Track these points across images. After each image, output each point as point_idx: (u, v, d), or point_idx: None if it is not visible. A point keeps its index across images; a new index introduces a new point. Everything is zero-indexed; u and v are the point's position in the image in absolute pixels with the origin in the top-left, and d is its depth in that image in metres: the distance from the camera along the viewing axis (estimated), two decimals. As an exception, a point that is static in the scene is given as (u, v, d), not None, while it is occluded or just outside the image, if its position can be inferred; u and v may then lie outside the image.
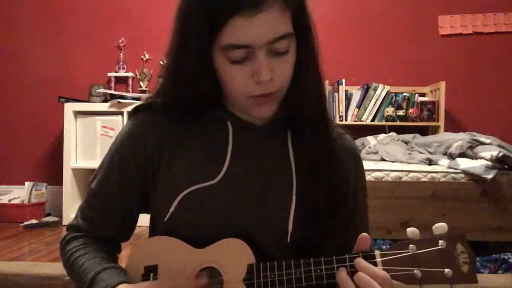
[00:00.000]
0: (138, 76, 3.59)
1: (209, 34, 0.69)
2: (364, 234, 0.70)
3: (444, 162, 2.36)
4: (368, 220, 0.88)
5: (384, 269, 0.67)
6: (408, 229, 0.69)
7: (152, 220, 0.86)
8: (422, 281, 0.67)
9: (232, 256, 0.73)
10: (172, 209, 0.76)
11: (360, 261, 0.68)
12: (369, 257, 0.68)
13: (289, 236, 0.75)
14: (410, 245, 0.68)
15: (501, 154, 2.17)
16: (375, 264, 0.68)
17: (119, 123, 3.15)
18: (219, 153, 0.79)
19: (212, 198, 0.76)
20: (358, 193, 0.85)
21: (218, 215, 0.76)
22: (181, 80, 0.77)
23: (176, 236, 0.77)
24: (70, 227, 0.86)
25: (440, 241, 0.67)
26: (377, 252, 0.69)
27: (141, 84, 3.57)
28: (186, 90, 0.77)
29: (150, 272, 0.76)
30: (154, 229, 0.84)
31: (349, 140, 0.87)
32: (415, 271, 0.66)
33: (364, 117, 3.26)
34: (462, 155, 2.37)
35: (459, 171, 2.23)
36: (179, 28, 0.74)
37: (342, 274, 0.68)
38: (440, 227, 0.68)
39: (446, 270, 0.66)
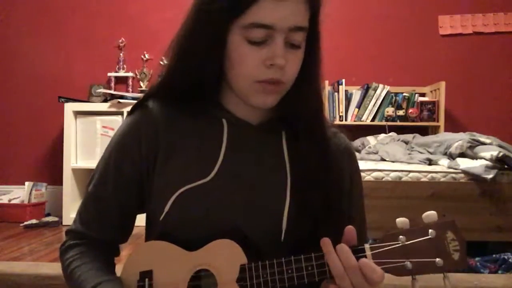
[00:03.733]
0: (138, 76, 3.59)
1: (234, 10, 0.71)
2: (349, 226, 0.69)
3: (444, 162, 2.36)
4: (364, 219, 0.87)
5: (374, 263, 0.66)
6: (398, 219, 0.68)
7: (148, 221, 0.86)
8: (413, 272, 0.66)
9: (225, 257, 0.73)
10: (166, 209, 0.76)
11: (342, 247, 0.67)
12: (359, 251, 0.68)
13: (283, 234, 0.75)
14: (400, 236, 0.67)
15: (501, 154, 2.17)
16: (365, 257, 0.67)
17: (119, 123, 3.13)
18: (213, 151, 0.79)
19: (205, 196, 0.76)
20: (353, 191, 0.85)
21: (211, 213, 0.76)
22: (192, 58, 0.76)
23: (172, 236, 0.77)
24: (68, 232, 0.86)
25: (430, 230, 0.67)
26: (366, 246, 0.68)
27: (141, 84, 3.57)
28: (193, 70, 0.77)
29: (145, 277, 0.76)
30: (150, 229, 0.84)
31: (344, 139, 0.87)
32: (406, 262, 0.66)
33: (364, 117, 3.26)
34: (462, 155, 2.37)
35: (459, 171, 2.23)
36: (203, 2, 0.75)
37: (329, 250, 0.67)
38: (430, 215, 0.68)
39: (437, 259, 0.65)
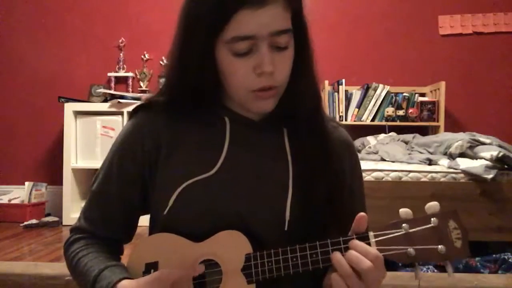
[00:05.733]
0: (138, 76, 3.59)
1: (214, 28, 0.72)
2: (362, 213, 0.70)
3: (444, 162, 2.36)
4: (365, 209, 0.88)
5: (378, 249, 0.67)
6: (401, 210, 0.70)
7: (151, 220, 0.87)
8: (416, 258, 0.68)
9: (230, 247, 0.74)
10: (171, 202, 0.78)
11: (354, 241, 0.69)
12: (363, 238, 0.69)
13: (286, 224, 0.77)
14: (403, 225, 0.69)
15: (501, 154, 2.17)
16: (369, 245, 0.69)
17: (119, 123, 3.15)
18: (216, 146, 0.81)
19: (209, 189, 0.78)
20: (354, 183, 0.87)
21: (215, 206, 0.78)
22: (185, 75, 0.79)
23: (175, 231, 0.78)
24: (73, 229, 0.88)
25: (432, 218, 0.68)
26: (371, 233, 0.70)
27: (141, 84, 3.57)
28: (189, 84, 0.79)
29: (150, 268, 0.77)
30: (154, 227, 0.85)
31: (343, 133, 0.89)
32: (409, 249, 0.67)
33: (364, 117, 3.26)
34: (462, 155, 2.37)
35: (459, 171, 2.23)
36: (185, 24, 0.77)
37: (336, 254, 0.68)
38: (433, 206, 0.70)
39: (440, 246, 0.67)
